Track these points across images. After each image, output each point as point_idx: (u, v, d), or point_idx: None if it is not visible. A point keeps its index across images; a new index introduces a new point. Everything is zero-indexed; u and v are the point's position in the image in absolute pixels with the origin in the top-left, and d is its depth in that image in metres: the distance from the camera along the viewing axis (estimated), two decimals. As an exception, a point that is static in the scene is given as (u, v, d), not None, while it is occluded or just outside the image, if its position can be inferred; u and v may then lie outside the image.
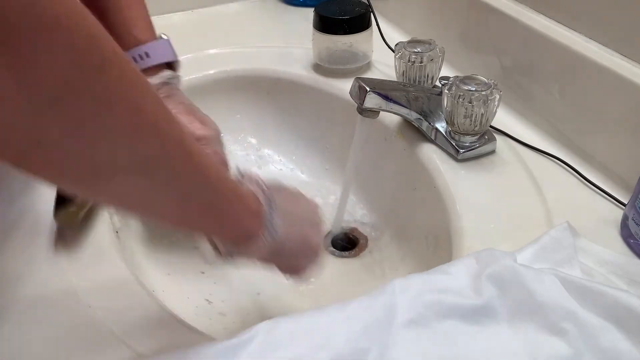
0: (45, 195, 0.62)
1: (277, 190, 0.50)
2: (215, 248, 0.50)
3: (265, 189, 0.48)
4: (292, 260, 0.54)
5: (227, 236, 0.48)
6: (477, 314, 0.49)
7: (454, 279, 0.52)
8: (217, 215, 0.44)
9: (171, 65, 0.64)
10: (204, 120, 0.62)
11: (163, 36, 0.65)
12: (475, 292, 0.50)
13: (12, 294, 0.54)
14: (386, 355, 0.46)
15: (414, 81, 0.78)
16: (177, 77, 0.64)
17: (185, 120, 0.60)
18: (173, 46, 0.64)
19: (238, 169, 0.50)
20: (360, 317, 0.48)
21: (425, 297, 0.49)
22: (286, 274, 0.57)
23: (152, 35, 0.63)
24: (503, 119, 0.76)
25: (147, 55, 0.61)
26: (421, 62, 0.76)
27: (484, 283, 0.50)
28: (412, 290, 0.50)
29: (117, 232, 0.64)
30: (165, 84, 0.62)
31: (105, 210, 0.65)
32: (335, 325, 0.48)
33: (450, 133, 0.72)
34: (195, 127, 0.60)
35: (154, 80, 0.61)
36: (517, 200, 0.65)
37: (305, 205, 0.56)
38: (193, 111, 0.62)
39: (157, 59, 0.62)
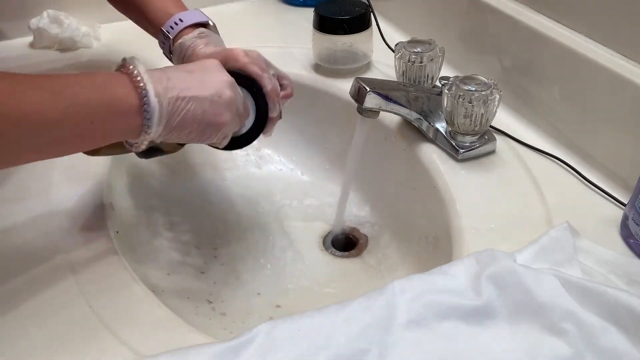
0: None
1: (174, 70, 0.54)
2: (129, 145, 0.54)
3: (141, 84, 0.50)
4: (190, 137, 0.55)
5: (115, 140, 0.53)
6: (477, 315, 0.49)
7: (454, 280, 0.52)
8: (93, 138, 0.51)
9: (205, 26, 0.70)
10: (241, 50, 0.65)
11: (195, 9, 0.72)
12: (475, 293, 0.50)
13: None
14: (386, 355, 0.46)
15: (414, 81, 0.78)
16: (212, 32, 0.70)
17: (222, 51, 0.65)
18: (204, 14, 0.71)
19: (119, 65, 0.53)
20: (360, 318, 0.48)
21: (425, 298, 0.49)
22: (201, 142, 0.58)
23: (183, 8, 0.71)
24: (503, 119, 0.76)
25: (180, 20, 0.68)
26: (421, 62, 0.76)
27: (484, 283, 0.50)
28: (411, 290, 0.50)
29: (117, 232, 0.64)
30: (200, 37, 0.68)
31: (105, 210, 0.65)
32: (335, 326, 0.48)
33: (450, 133, 0.72)
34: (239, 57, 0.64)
35: (189, 36, 0.67)
36: (517, 200, 0.65)
37: (209, 80, 0.56)
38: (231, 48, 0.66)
39: (188, 21, 0.69)
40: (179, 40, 0.68)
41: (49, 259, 0.58)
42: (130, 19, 0.77)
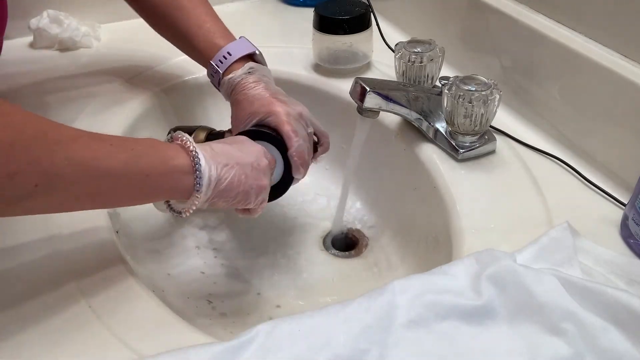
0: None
1: (216, 143, 0.58)
2: (167, 204, 0.58)
3: (192, 149, 0.54)
4: (235, 201, 0.58)
5: (165, 198, 0.56)
6: (477, 315, 0.49)
7: (454, 280, 0.52)
8: (145, 192, 0.54)
9: (253, 58, 0.72)
10: (284, 101, 0.68)
11: (242, 37, 0.73)
12: (475, 293, 0.50)
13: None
14: (386, 355, 0.46)
15: (414, 81, 0.78)
16: (260, 66, 0.71)
17: (267, 100, 0.67)
18: (250, 42, 0.73)
19: (169, 137, 0.57)
20: (360, 318, 0.48)
21: (425, 298, 0.49)
22: (237, 212, 0.62)
23: (231, 38, 0.73)
24: (503, 119, 0.76)
25: (229, 54, 0.70)
26: (421, 62, 0.76)
27: (484, 283, 0.50)
28: (412, 290, 0.50)
29: (117, 232, 0.64)
30: (250, 73, 0.69)
31: (106, 211, 0.65)
32: (335, 326, 0.48)
33: (450, 133, 0.72)
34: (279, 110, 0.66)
35: (239, 72, 0.69)
36: (517, 200, 0.65)
37: (247, 150, 0.59)
38: (276, 93, 0.68)
39: (237, 54, 0.70)
40: (229, 76, 0.70)
41: (48, 259, 0.58)
42: (177, 47, 0.78)
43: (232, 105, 0.70)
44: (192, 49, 0.74)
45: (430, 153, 0.73)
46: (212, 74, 0.72)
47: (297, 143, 0.64)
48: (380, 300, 0.49)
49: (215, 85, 0.73)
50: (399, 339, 0.47)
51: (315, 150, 0.70)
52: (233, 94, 0.69)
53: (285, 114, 0.65)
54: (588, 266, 0.55)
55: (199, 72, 0.88)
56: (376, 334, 0.47)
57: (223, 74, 0.70)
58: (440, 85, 0.73)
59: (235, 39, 0.73)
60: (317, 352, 0.46)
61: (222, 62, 0.70)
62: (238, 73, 0.69)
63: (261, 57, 0.73)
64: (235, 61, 0.70)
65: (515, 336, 0.48)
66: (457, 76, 0.70)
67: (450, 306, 0.49)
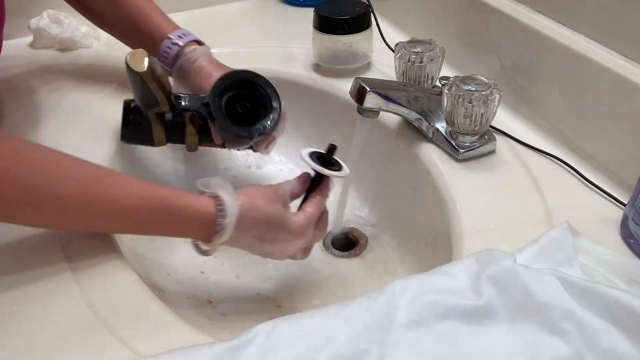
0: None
1: (247, 200, 0.59)
2: (194, 242, 0.60)
3: (222, 199, 0.57)
4: (262, 250, 0.63)
5: (191, 238, 0.61)
6: (477, 315, 0.49)
7: (454, 280, 0.52)
8: (173, 231, 0.59)
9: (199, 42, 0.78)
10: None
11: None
12: (475, 293, 0.50)
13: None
14: (386, 355, 0.46)
15: (414, 81, 0.78)
16: (207, 46, 0.77)
17: (217, 73, 0.71)
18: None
19: (199, 189, 0.59)
20: (360, 318, 0.48)
21: (425, 298, 0.49)
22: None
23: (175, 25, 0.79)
24: (503, 119, 0.76)
25: (185, 34, 0.76)
26: (421, 62, 0.76)
27: (484, 283, 0.50)
28: (412, 291, 0.50)
29: (117, 232, 0.64)
30: (200, 52, 0.75)
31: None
32: (335, 325, 0.48)
33: (450, 133, 0.72)
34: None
35: (195, 52, 0.74)
36: (517, 200, 0.65)
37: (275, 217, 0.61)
38: (222, 67, 0.74)
39: (191, 37, 0.76)
40: (192, 46, 0.75)
41: (48, 258, 0.58)
42: (120, 35, 0.83)
43: (198, 70, 0.73)
44: (142, 31, 0.78)
45: (430, 153, 0.73)
46: (169, 46, 0.75)
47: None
48: (381, 300, 0.49)
49: (167, 62, 0.75)
50: (399, 339, 0.47)
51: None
52: (197, 62, 0.74)
53: None
54: (588, 266, 0.55)
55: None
56: (376, 334, 0.47)
57: (184, 45, 0.75)
58: (440, 85, 0.73)
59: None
60: (317, 352, 0.46)
61: (181, 38, 0.75)
62: (193, 54, 0.74)
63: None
64: (192, 41, 0.76)
65: (516, 336, 0.48)
66: (457, 76, 0.70)
67: (450, 306, 0.49)
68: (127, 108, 0.70)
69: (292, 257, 0.65)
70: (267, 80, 0.70)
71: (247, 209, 0.58)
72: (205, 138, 0.72)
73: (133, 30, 0.79)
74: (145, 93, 0.65)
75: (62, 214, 0.54)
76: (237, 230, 0.58)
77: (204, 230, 0.57)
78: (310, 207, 0.64)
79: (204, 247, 0.59)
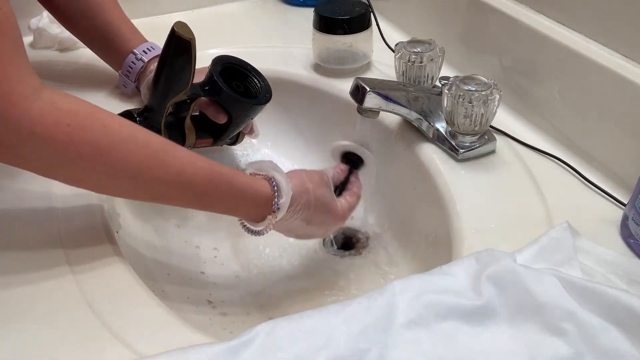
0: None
1: (300, 182, 0.63)
2: (242, 223, 0.62)
3: (277, 180, 0.60)
4: (306, 232, 0.67)
5: (242, 217, 0.62)
6: (477, 315, 0.49)
7: (454, 280, 0.52)
8: (228, 208, 0.61)
9: None
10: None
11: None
12: (475, 293, 0.50)
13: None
14: (386, 355, 0.46)
15: (414, 81, 0.78)
16: None
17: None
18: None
19: (250, 171, 0.62)
20: (360, 318, 0.48)
21: (425, 298, 0.49)
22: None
23: (143, 38, 0.83)
24: (503, 119, 0.76)
25: (152, 48, 0.80)
26: (421, 62, 0.76)
27: (484, 283, 0.50)
28: (411, 290, 0.50)
29: (117, 232, 0.64)
30: None
31: (105, 211, 0.65)
32: (335, 326, 0.48)
33: (450, 133, 0.72)
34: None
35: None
36: (517, 200, 0.65)
37: (323, 198, 0.66)
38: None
39: (156, 52, 0.80)
40: (152, 67, 0.78)
41: (49, 259, 0.58)
42: (88, 44, 0.85)
43: None
44: (108, 45, 0.82)
45: (430, 153, 0.73)
46: (134, 62, 0.79)
47: None
48: (380, 300, 0.49)
49: (130, 78, 0.80)
50: (399, 339, 0.47)
51: None
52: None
53: None
54: (588, 266, 0.55)
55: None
56: (376, 334, 0.47)
57: (147, 63, 0.79)
58: (440, 85, 0.73)
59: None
60: (317, 352, 0.46)
61: (145, 53, 0.79)
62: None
63: None
64: (155, 56, 0.79)
65: (515, 336, 0.48)
66: (457, 76, 0.70)
67: (450, 306, 0.49)
68: (131, 117, 0.70)
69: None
70: (246, 62, 0.76)
71: (300, 191, 0.62)
72: (201, 136, 0.74)
73: (100, 40, 0.82)
74: (183, 67, 0.67)
75: (130, 178, 0.54)
76: (289, 211, 0.61)
77: (259, 210, 0.60)
78: (353, 196, 0.70)
79: (256, 227, 0.61)
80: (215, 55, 0.73)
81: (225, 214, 0.61)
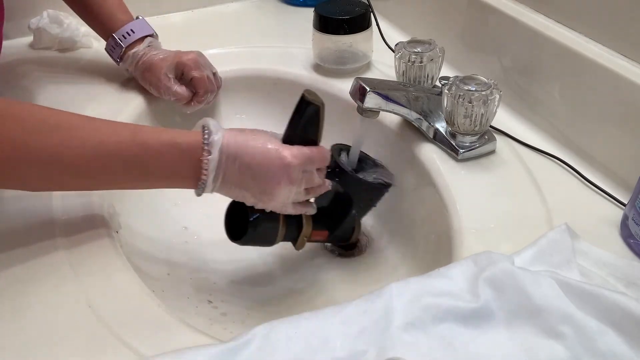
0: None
1: (238, 141, 0.58)
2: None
3: (207, 123, 0.58)
4: (254, 186, 0.59)
5: (172, 185, 0.59)
6: (474, 317, 0.49)
7: (452, 282, 0.51)
8: (166, 165, 0.57)
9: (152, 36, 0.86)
10: (186, 53, 0.83)
11: (140, 17, 0.86)
12: (472, 295, 0.50)
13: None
14: (383, 358, 0.46)
15: (414, 81, 0.78)
16: (157, 40, 0.86)
17: (173, 57, 0.82)
18: (148, 22, 0.86)
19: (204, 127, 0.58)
20: (357, 320, 0.48)
21: (422, 300, 0.49)
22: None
23: (131, 17, 0.85)
24: (503, 119, 0.76)
25: (132, 31, 0.83)
26: (421, 62, 0.76)
27: (482, 286, 0.50)
28: (409, 293, 0.50)
29: (117, 232, 0.64)
30: (150, 46, 0.83)
31: (105, 210, 0.65)
32: (332, 328, 0.48)
33: (450, 133, 0.72)
34: (184, 58, 0.81)
35: (140, 47, 0.83)
36: (517, 200, 0.65)
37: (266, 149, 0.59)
38: (177, 52, 0.83)
39: (139, 33, 0.84)
40: (133, 50, 0.83)
41: (49, 259, 0.58)
42: (79, 15, 0.88)
43: (142, 71, 0.82)
44: (92, 19, 0.86)
45: (430, 153, 0.73)
46: (113, 46, 0.83)
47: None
48: (378, 302, 0.49)
49: (114, 59, 0.85)
50: (396, 341, 0.47)
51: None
52: (139, 64, 0.82)
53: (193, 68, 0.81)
54: (586, 268, 0.55)
55: (199, 72, 0.88)
56: (373, 336, 0.47)
57: (126, 48, 0.82)
58: (440, 85, 0.73)
59: (133, 18, 0.84)
60: (314, 354, 0.46)
61: (125, 38, 0.82)
62: (141, 47, 0.82)
63: (156, 37, 0.86)
64: (137, 39, 0.83)
65: (513, 339, 0.48)
66: (457, 76, 0.70)
67: (447, 309, 0.49)
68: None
69: (285, 206, 0.62)
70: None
71: (234, 133, 0.58)
72: (316, 227, 0.69)
73: (86, 13, 0.85)
74: (313, 132, 0.62)
75: (53, 165, 0.53)
76: (226, 158, 0.57)
77: (193, 157, 0.56)
78: (307, 149, 0.60)
79: (198, 187, 0.58)
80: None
81: (163, 175, 0.58)
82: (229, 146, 0.57)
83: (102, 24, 0.84)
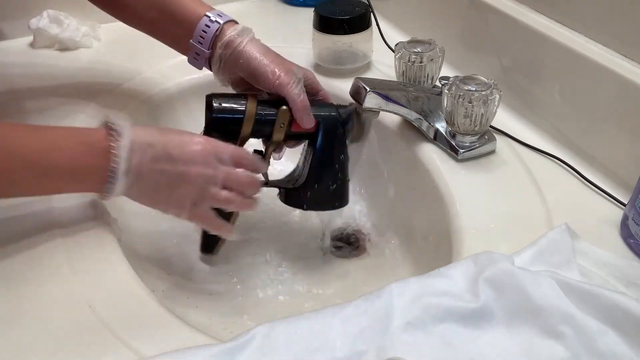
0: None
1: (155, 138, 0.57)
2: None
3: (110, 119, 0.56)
4: (166, 195, 0.59)
5: (77, 184, 0.58)
6: (474, 317, 0.49)
7: (451, 282, 0.51)
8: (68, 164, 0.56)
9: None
10: (282, 62, 0.70)
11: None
12: (472, 295, 0.50)
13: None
14: (383, 357, 0.46)
15: (414, 81, 0.78)
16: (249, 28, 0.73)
17: (265, 60, 0.69)
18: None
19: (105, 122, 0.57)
20: (357, 320, 0.48)
21: (422, 300, 0.49)
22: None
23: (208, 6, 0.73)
24: (503, 119, 0.76)
25: (219, 15, 0.71)
26: (421, 62, 0.76)
27: (482, 286, 0.50)
28: (409, 293, 0.50)
29: (117, 232, 0.64)
30: (245, 32, 0.71)
31: (106, 211, 0.65)
32: (332, 328, 0.48)
33: (450, 133, 0.72)
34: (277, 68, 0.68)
35: (235, 29, 0.70)
36: (517, 200, 0.65)
37: (188, 149, 0.59)
38: (273, 55, 0.71)
39: (225, 17, 0.71)
40: (225, 38, 0.69)
41: (49, 258, 0.58)
42: (145, 24, 0.77)
43: (243, 60, 0.69)
44: (176, 10, 0.72)
45: (430, 153, 0.73)
46: (207, 24, 0.69)
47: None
48: (378, 302, 0.49)
49: (204, 38, 0.70)
50: (396, 341, 0.47)
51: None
52: (236, 50, 0.69)
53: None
54: (586, 268, 0.55)
55: (200, 72, 0.88)
56: (373, 336, 0.47)
57: (218, 34, 0.69)
58: (440, 85, 0.73)
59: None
60: (314, 354, 0.46)
61: (221, 16, 0.70)
62: (233, 30, 0.69)
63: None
64: (225, 23, 0.70)
65: (513, 339, 0.48)
66: (457, 76, 0.70)
67: (447, 309, 0.49)
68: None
69: (199, 214, 0.62)
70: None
71: (142, 127, 0.58)
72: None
73: (163, 16, 0.73)
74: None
75: None
76: (138, 145, 0.56)
77: (100, 145, 0.55)
78: (221, 141, 0.60)
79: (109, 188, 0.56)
80: None
81: (69, 167, 0.56)
82: (138, 135, 0.56)
83: (185, 16, 0.71)
